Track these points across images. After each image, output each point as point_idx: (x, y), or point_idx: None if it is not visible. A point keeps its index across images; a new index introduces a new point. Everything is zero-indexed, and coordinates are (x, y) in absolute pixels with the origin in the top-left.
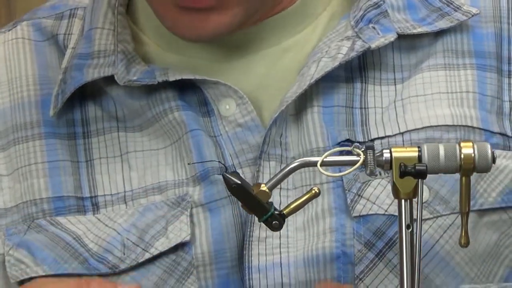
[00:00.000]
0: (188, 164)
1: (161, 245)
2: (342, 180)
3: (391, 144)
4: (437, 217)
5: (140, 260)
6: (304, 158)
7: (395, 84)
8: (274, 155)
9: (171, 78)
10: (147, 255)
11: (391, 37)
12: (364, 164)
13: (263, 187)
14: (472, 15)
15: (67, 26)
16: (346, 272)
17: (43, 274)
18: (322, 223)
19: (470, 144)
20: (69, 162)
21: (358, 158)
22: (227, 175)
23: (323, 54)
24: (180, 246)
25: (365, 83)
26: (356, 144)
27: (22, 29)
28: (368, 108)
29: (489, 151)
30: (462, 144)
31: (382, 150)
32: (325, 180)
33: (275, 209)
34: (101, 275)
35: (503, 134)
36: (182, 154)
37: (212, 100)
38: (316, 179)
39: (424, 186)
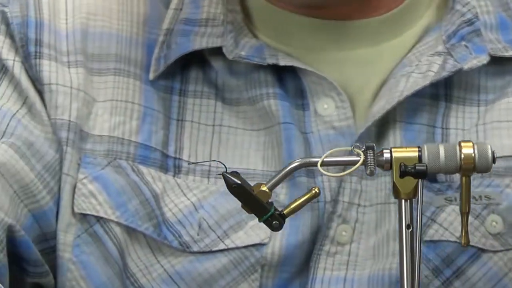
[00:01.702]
0: (189, 164)
1: (238, 239)
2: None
3: None
4: (508, 250)
5: (213, 249)
6: (305, 158)
7: (478, 106)
8: (356, 170)
9: (282, 63)
10: (222, 246)
11: (484, 59)
12: (364, 164)
13: (263, 187)
14: None
15: None
16: None
17: (115, 219)
18: (392, 244)
19: (470, 144)
20: (162, 114)
21: (358, 158)
22: (227, 175)
23: (413, 69)
24: (255, 245)
25: (449, 102)
26: (356, 144)
27: None
28: (449, 128)
29: (489, 151)
30: (462, 144)
31: (382, 150)
32: None
33: (275, 209)
34: (170, 247)
35: None
36: (273, 144)
37: (311, 95)
38: (391, 197)
39: (498, 217)
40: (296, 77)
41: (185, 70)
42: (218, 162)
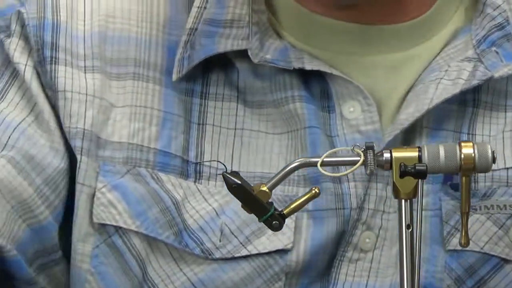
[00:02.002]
0: (193, 163)
1: (261, 244)
2: (440, 210)
3: (495, 178)
4: None
5: (236, 255)
6: (305, 158)
7: (505, 111)
8: (382, 176)
9: (308, 67)
10: (244, 252)
11: None
12: (364, 164)
13: (263, 187)
14: None
15: None
16: None
17: (134, 229)
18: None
19: (470, 144)
20: (182, 118)
21: (358, 158)
22: (227, 174)
23: (442, 74)
24: (278, 251)
25: (476, 107)
26: (356, 144)
27: None
28: (475, 134)
29: (489, 151)
30: (462, 144)
31: (382, 150)
32: (423, 207)
33: (275, 209)
34: (192, 255)
35: None
36: (298, 148)
37: (337, 97)
38: (415, 205)
39: None
40: (322, 79)
41: (206, 71)
42: (228, 164)
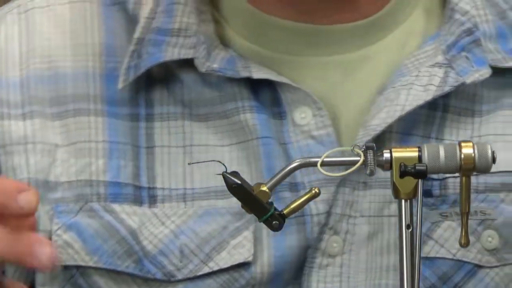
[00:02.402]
0: (188, 164)
1: (222, 260)
2: None
3: None
4: (505, 265)
5: (198, 273)
6: (305, 158)
7: (473, 117)
8: (350, 181)
9: (255, 76)
10: (206, 269)
11: (486, 73)
12: (364, 164)
13: (263, 187)
14: None
15: None
16: None
17: (93, 265)
18: (386, 258)
19: (470, 144)
20: (129, 145)
21: (358, 158)
22: (227, 174)
23: (413, 79)
24: (241, 264)
25: (445, 112)
26: (356, 144)
27: None
28: (443, 139)
29: (489, 151)
30: (462, 144)
31: (382, 150)
32: (393, 213)
33: (275, 209)
34: (155, 280)
35: None
36: (250, 159)
37: (288, 104)
38: (385, 210)
39: (494, 232)
40: (272, 86)
41: (149, 91)
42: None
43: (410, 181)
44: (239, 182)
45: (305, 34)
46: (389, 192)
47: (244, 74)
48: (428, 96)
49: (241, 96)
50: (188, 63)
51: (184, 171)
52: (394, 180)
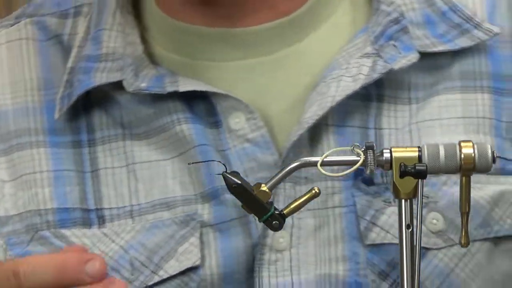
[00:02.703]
0: (188, 164)
1: (171, 267)
2: (355, 206)
3: None
4: (451, 245)
5: (149, 283)
6: (305, 158)
7: (409, 104)
8: (290, 177)
9: (182, 89)
10: (156, 278)
11: (413, 58)
12: (364, 164)
13: (263, 187)
14: (494, 35)
15: (72, 26)
16: None
17: None
18: (334, 249)
19: (470, 144)
20: (74, 172)
21: (358, 158)
22: (227, 174)
23: (343, 72)
24: (189, 269)
25: (380, 101)
26: (356, 144)
27: (26, 27)
28: (382, 129)
29: (489, 151)
30: (462, 144)
31: (382, 150)
32: (337, 204)
33: (275, 209)
34: None
35: None
36: (190, 168)
37: (222, 112)
38: (329, 202)
39: (438, 214)
40: (205, 97)
41: (89, 117)
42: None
43: (410, 181)
44: (239, 182)
45: (227, 39)
46: (331, 184)
47: (170, 89)
48: (357, 85)
49: (175, 109)
50: (120, 85)
51: (129, 189)
52: (394, 180)
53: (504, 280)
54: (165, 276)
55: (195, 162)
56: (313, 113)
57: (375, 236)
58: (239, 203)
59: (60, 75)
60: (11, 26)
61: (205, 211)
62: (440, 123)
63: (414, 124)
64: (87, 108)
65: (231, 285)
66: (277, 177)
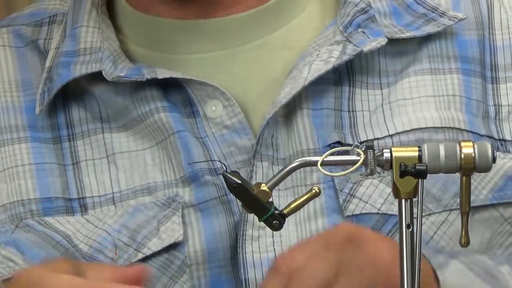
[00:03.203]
0: (188, 163)
1: (154, 245)
2: (333, 181)
3: (381, 146)
4: (429, 214)
5: (133, 260)
6: (305, 158)
7: (381, 89)
8: (266, 155)
9: (160, 76)
10: (140, 255)
11: (382, 41)
12: (364, 164)
13: (263, 187)
14: (459, 20)
15: (47, 32)
16: None
17: None
18: (314, 223)
19: (471, 144)
20: (55, 164)
21: (358, 158)
22: (228, 174)
23: (314, 58)
24: (173, 246)
25: (353, 86)
26: (356, 143)
27: (1, 36)
28: (356, 111)
29: (490, 151)
30: (463, 144)
31: (383, 150)
32: (316, 181)
33: (276, 208)
34: None
35: (490, 137)
36: (170, 155)
37: (198, 101)
38: (307, 180)
39: None
40: (181, 87)
41: (68, 112)
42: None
43: (410, 181)
44: (239, 182)
45: (200, 31)
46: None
47: (149, 76)
48: (328, 66)
49: (152, 98)
50: (98, 79)
51: (110, 177)
52: (394, 179)
53: (482, 248)
54: (149, 253)
55: (195, 162)
56: (286, 93)
57: (354, 207)
58: (219, 183)
59: (39, 76)
60: None
61: (186, 193)
62: (412, 101)
63: (387, 105)
64: (66, 104)
65: (216, 262)
66: (277, 177)
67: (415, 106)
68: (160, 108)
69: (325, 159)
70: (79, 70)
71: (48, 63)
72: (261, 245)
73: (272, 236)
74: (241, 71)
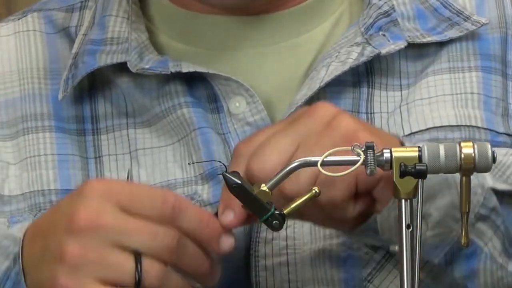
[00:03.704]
0: (188, 164)
1: None
2: None
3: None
4: None
5: None
6: (305, 158)
7: (401, 90)
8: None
9: (184, 70)
10: None
11: (401, 44)
12: (364, 164)
13: (263, 187)
14: (482, 25)
15: (79, 18)
16: (353, 274)
17: None
18: None
19: (470, 144)
20: (78, 157)
21: (358, 158)
22: (227, 174)
23: (333, 59)
24: None
25: (372, 88)
26: (356, 143)
27: (33, 20)
28: (374, 113)
29: (489, 151)
30: (462, 144)
31: (383, 149)
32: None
33: (276, 208)
34: None
35: (509, 135)
36: (190, 151)
37: (223, 97)
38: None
39: None
40: (206, 82)
41: (93, 103)
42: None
43: (410, 181)
44: (239, 182)
45: (237, 27)
46: None
47: (173, 69)
48: (345, 67)
49: (176, 94)
50: (124, 70)
51: (131, 172)
52: (394, 179)
53: None
54: None
55: (195, 162)
56: (303, 95)
57: None
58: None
59: (67, 65)
60: (19, 19)
61: (204, 191)
62: (429, 101)
63: (405, 106)
64: (92, 95)
65: (229, 263)
66: (277, 177)
67: (431, 106)
68: (183, 104)
69: (325, 159)
70: (105, 59)
71: (75, 49)
72: (274, 248)
73: (286, 239)
74: (269, 69)
